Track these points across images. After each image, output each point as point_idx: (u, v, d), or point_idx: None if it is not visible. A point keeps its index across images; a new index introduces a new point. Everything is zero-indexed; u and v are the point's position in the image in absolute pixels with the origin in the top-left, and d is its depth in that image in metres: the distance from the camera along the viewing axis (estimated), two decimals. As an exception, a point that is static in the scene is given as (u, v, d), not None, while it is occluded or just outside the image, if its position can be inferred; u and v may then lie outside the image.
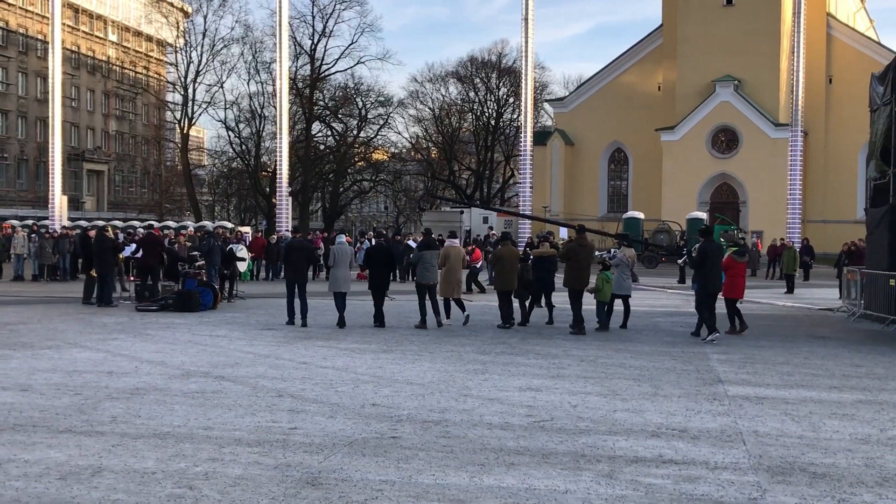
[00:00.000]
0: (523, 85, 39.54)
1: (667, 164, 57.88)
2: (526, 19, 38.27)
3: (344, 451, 7.30)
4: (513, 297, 17.54)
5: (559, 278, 17.38)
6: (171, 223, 47.37)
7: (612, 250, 20.84)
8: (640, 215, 51.46)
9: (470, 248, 25.68)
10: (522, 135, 40.09)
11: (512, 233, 40.86)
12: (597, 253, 18.78)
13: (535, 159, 48.25)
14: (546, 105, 75.60)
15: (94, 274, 21.15)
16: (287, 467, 6.78)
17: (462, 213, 55.01)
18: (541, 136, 63.87)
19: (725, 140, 57.48)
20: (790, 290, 28.93)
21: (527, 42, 38.50)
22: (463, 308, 17.49)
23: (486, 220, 54.61)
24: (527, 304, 17.95)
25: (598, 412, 8.99)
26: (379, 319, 16.99)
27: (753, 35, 55.58)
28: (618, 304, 17.41)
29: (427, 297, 17.26)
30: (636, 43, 65.54)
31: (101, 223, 42.32)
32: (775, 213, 49.05)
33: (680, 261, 30.84)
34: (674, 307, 22.74)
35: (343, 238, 18.46)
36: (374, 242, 22.78)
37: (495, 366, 12.08)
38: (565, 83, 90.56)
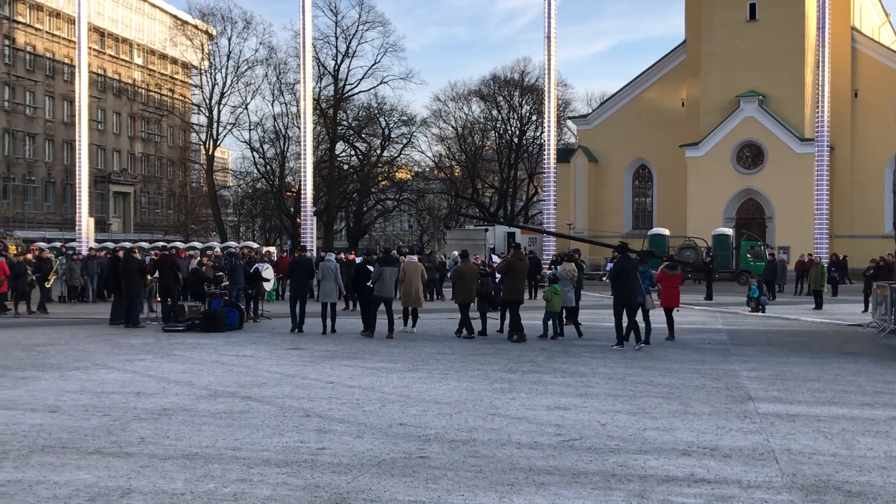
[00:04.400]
0: (546, 102, 39.51)
1: (692, 181, 57.61)
2: (549, 37, 38.30)
3: (372, 471, 7.26)
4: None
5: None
6: (196, 244, 47.61)
7: (555, 266, 21.84)
8: (666, 232, 51.22)
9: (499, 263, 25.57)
10: (546, 152, 40.04)
11: (536, 251, 40.85)
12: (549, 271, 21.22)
13: (559, 176, 48.14)
14: (569, 122, 75.55)
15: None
16: (316, 488, 6.75)
17: (486, 230, 54.95)
18: (564, 154, 63.74)
19: (751, 155, 57.14)
20: (818, 305, 28.65)
21: (549, 60, 38.51)
22: (415, 320, 19.94)
23: (511, 237, 54.44)
24: (487, 315, 19.43)
25: (628, 431, 8.91)
26: (368, 328, 19.01)
27: (777, 50, 55.34)
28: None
29: (384, 309, 18.99)
30: (659, 59, 65.42)
31: (127, 245, 42.67)
32: (802, 229, 48.65)
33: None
34: (701, 324, 22.56)
35: (332, 256, 21.58)
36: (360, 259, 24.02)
37: (522, 384, 12.01)
38: (588, 100, 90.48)
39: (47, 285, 25.83)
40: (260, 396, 10.97)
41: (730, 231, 50.46)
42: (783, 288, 37.31)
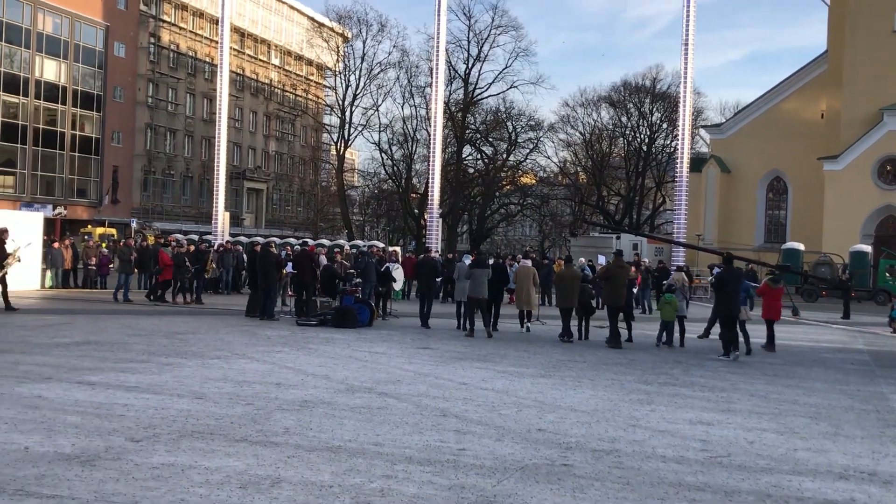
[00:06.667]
0: (681, 110, 38.67)
1: (829, 195, 55.57)
2: (686, 44, 37.48)
3: (516, 475, 7.17)
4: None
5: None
6: (325, 241, 48.51)
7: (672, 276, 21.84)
8: (801, 247, 49.60)
9: (633, 272, 25.18)
10: (678, 161, 39.19)
11: (664, 259, 40.05)
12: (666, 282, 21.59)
13: (690, 186, 47.14)
14: (702, 131, 73.88)
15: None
16: (461, 489, 6.70)
17: (618, 238, 54.12)
18: (696, 163, 62.41)
19: (893, 171, 54.77)
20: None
21: (686, 67, 37.69)
22: (529, 319, 20.94)
23: (636, 246, 53.63)
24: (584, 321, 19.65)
25: (778, 450, 8.56)
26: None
27: (926, 61, 52.89)
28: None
29: (477, 309, 19.69)
30: (798, 69, 63.41)
31: (260, 239, 43.76)
32: (947, 249, 46.38)
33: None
34: (841, 343, 21.69)
35: (468, 257, 22.11)
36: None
37: (660, 396, 11.73)
38: (721, 109, 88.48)
39: (207, 275, 26.93)
40: (396, 393, 11.03)
41: (868, 248, 48.47)
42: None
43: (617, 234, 57.07)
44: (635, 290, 25.34)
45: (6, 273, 21.07)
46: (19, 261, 22.00)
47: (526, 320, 20.96)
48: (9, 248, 21.06)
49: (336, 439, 8.23)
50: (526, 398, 11.11)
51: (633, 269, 26.55)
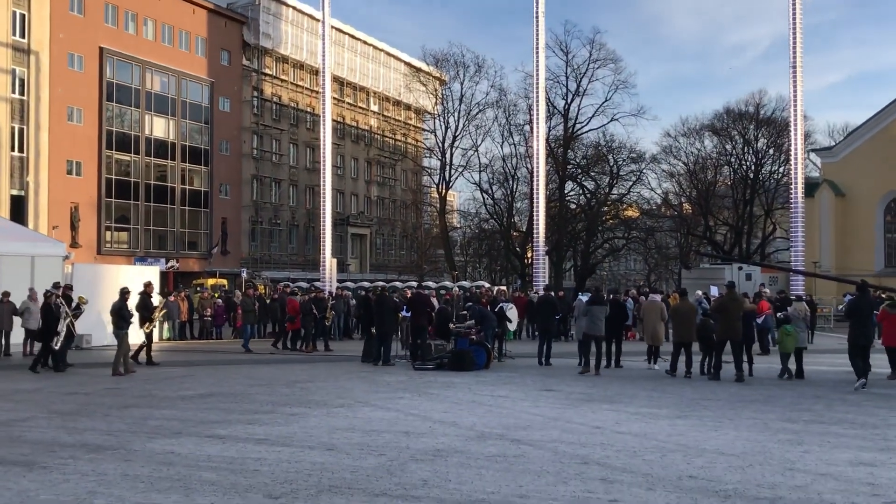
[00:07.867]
0: (792, 135, 37.46)
1: (953, 215, 53.08)
2: (794, 67, 36.34)
3: (678, 529, 6.68)
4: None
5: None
6: (430, 283, 48.43)
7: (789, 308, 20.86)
8: (925, 270, 47.32)
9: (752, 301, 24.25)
10: (793, 187, 37.94)
11: (784, 290, 38.60)
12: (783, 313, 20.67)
13: (804, 212, 45.50)
14: (811, 155, 71.55)
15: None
16: (623, 545, 6.25)
17: (740, 268, 52.52)
18: (808, 188, 60.18)
19: None
20: None
21: (795, 91, 36.54)
22: (655, 359, 20.30)
23: (749, 276, 52.02)
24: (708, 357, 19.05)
25: (958, 494, 7.84)
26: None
27: None
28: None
29: (593, 346, 19.48)
30: (911, 85, 61.02)
31: (367, 284, 43.95)
32: None
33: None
34: None
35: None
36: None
37: (810, 435, 11.01)
38: (830, 132, 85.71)
39: (327, 322, 27.11)
40: (529, 440, 10.60)
41: None
42: None
43: (730, 263, 55.46)
44: (759, 321, 24.35)
45: (154, 327, 21.49)
46: (164, 313, 22.58)
47: (653, 358, 20.46)
48: (154, 301, 21.47)
49: (478, 491, 7.85)
50: (667, 441, 10.55)
51: (761, 300, 25.82)
